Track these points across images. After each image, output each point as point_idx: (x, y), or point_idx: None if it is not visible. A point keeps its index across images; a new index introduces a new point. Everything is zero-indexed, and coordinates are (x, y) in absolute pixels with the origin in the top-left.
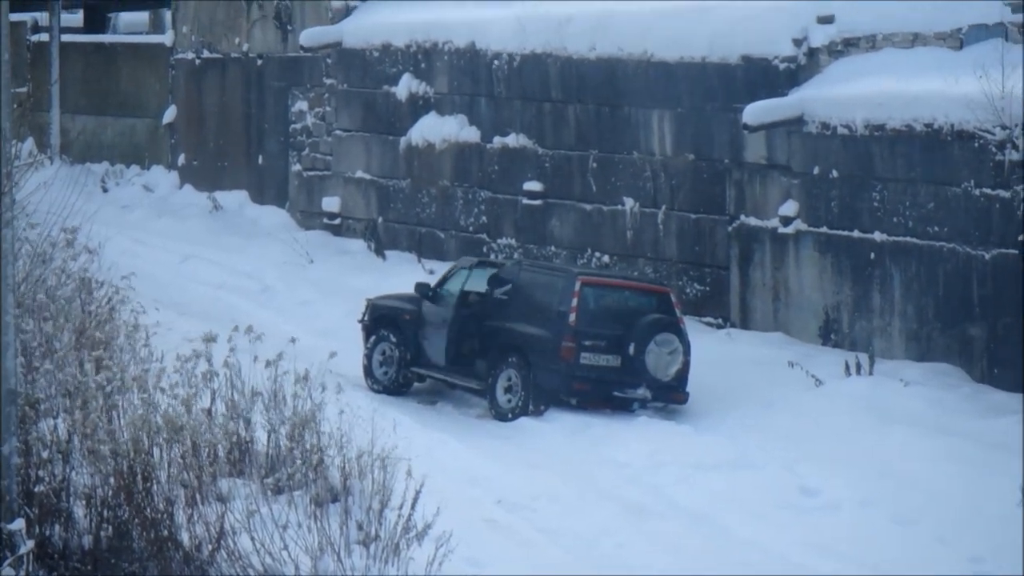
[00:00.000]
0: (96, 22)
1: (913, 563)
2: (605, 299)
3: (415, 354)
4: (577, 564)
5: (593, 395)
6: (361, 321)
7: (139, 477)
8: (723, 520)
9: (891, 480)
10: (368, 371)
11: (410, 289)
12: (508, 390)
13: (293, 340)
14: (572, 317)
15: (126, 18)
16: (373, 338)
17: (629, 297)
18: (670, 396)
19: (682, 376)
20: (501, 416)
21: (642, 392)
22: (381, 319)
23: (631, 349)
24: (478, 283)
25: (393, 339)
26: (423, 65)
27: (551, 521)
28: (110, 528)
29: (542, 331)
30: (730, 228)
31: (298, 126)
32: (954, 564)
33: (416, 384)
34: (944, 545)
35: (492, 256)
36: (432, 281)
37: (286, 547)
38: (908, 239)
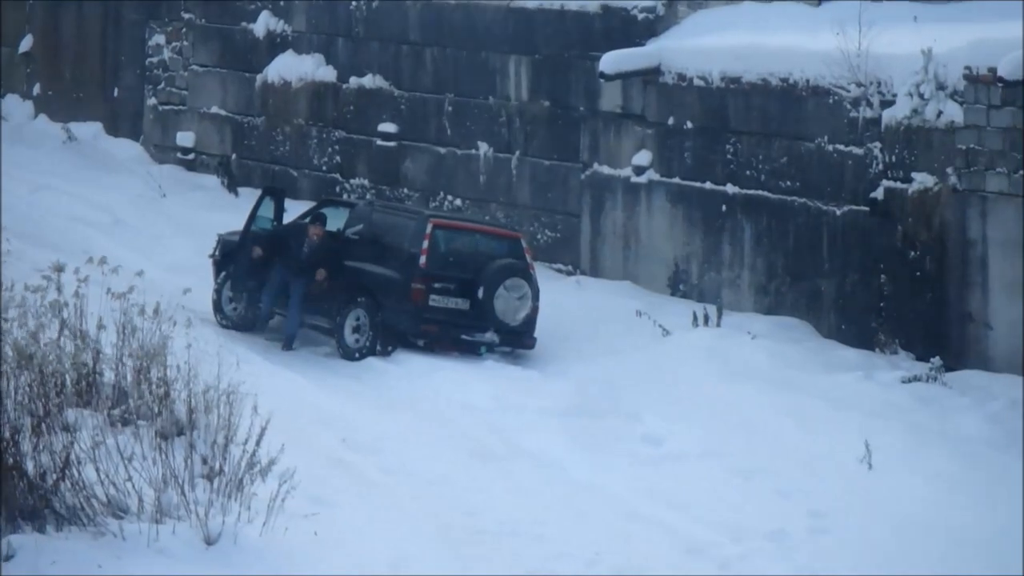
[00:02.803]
0: None
1: (753, 515)
2: (456, 242)
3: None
4: (421, 505)
5: (441, 337)
6: (212, 256)
7: None
8: (567, 465)
9: (734, 432)
10: (217, 306)
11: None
12: (356, 330)
13: (141, 273)
14: (423, 259)
15: None
16: (223, 274)
17: (480, 241)
18: (518, 341)
19: (530, 322)
20: (348, 355)
21: (490, 336)
22: (231, 255)
23: (480, 293)
24: (329, 222)
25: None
26: (281, 2)
27: (396, 462)
28: None
29: (392, 272)
30: (583, 176)
31: (155, 60)
32: (794, 518)
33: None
34: (784, 498)
35: (345, 196)
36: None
37: (130, 479)
38: (760, 192)
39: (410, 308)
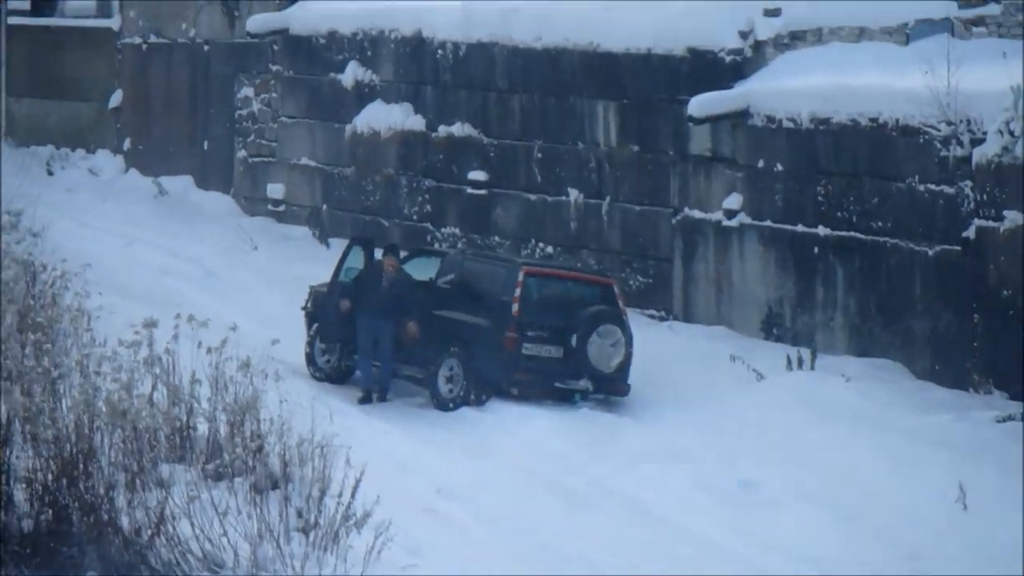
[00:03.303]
0: (43, 5)
1: (853, 559)
2: (548, 289)
3: (356, 342)
4: (515, 553)
5: (534, 386)
6: (304, 308)
7: (80, 461)
8: (662, 512)
9: (830, 475)
10: (310, 359)
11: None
12: (450, 380)
13: (234, 327)
14: (515, 307)
15: (73, 2)
16: (316, 325)
17: (572, 288)
18: (612, 388)
19: (624, 368)
20: (442, 406)
21: (584, 383)
22: (322, 306)
23: (573, 340)
24: (421, 271)
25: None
26: (369, 53)
27: (490, 511)
28: (50, 512)
29: (484, 321)
30: (674, 220)
31: (244, 112)
32: (893, 560)
33: (358, 372)
34: (882, 541)
35: (436, 245)
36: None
37: (225, 533)
38: (852, 234)
39: (503, 357)
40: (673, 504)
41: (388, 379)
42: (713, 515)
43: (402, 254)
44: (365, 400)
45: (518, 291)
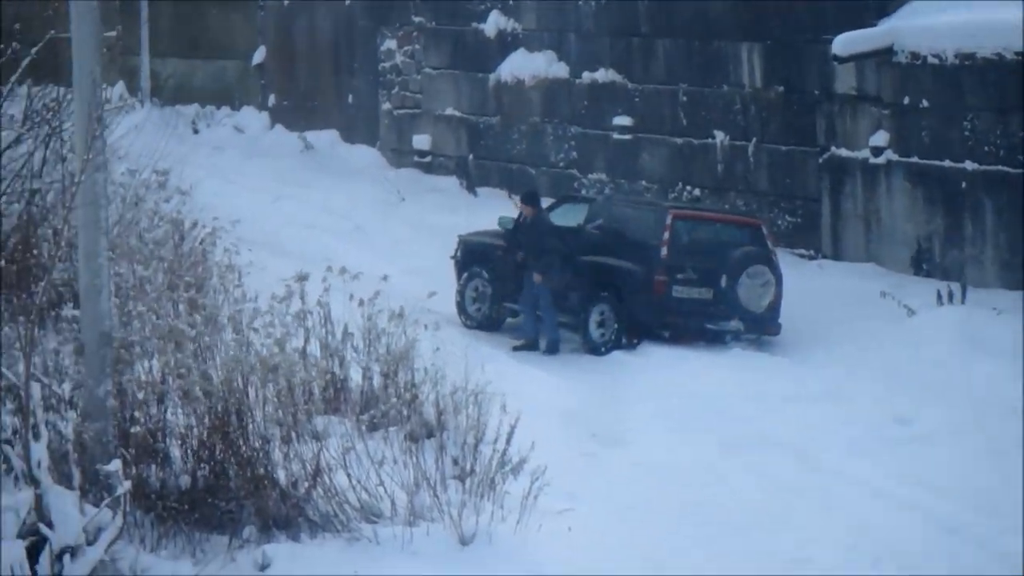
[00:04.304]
0: None
1: (1007, 493)
2: (696, 232)
3: (507, 290)
4: (671, 497)
5: (685, 328)
6: (453, 257)
7: (234, 417)
8: (816, 452)
9: (983, 409)
10: (461, 307)
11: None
12: (601, 324)
13: (385, 278)
14: (664, 251)
15: None
16: (465, 274)
17: (720, 230)
18: (763, 328)
19: (775, 308)
20: (594, 350)
21: (735, 325)
22: (473, 255)
23: (723, 282)
24: (569, 218)
25: (485, 275)
26: (511, 1)
27: (645, 455)
28: (206, 468)
29: (634, 265)
30: (821, 160)
31: (387, 65)
32: None
33: (509, 319)
34: None
35: (583, 191)
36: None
37: (382, 483)
38: (999, 168)
39: (653, 300)
40: (827, 444)
41: (552, 330)
42: (867, 453)
43: (549, 201)
44: (521, 348)
45: (667, 235)
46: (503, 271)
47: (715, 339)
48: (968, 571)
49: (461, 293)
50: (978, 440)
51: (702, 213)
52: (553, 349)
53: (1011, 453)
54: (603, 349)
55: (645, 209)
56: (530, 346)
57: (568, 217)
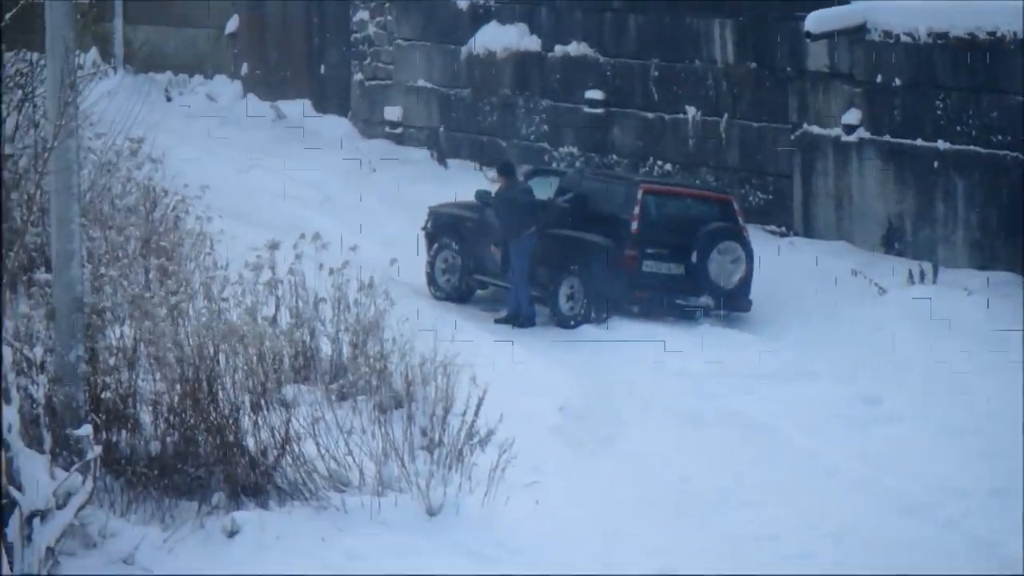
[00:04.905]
0: None
1: (971, 475)
2: (667, 207)
3: (477, 261)
4: (636, 472)
5: (655, 303)
6: (424, 229)
7: (204, 384)
8: (782, 429)
9: (951, 391)
10: (431, 278)
11: (471, 197)
12: (570, 297)
13: (354, 248)
14: (634, 225)
15: None
16: (435, 246)
17: (691, 205)
18: (733, 304)
19: (745, 284)
20: (563, 323)
21: (705, 300)
22: (443, 227)
23: (694, 257)
24: (540, 191)
25: (455, 247)
26: None
27: (612, 429)
28: (176, 434)
29: (604, 239)
30: (793, 136)
31: (360, 35)
32: (1006, 477)
33: (479, 292)
34: (1002, 458)
35: (553, 164)
36: (492, 189)
37: (351, 452)
38: (972, 148)
39: (623, 275)
40: (793, 422)
41: (525, 304)
42: (832, 432)
43: (520, 174)
44: (502, 321)
45: (637, 209)
46: (473, 243)
47: (685, 315)
48: (934, 551)
49: (431, 264)
50: (945, 421)
51: (673, 188)
52: (527, 323)
53: (971, 433)
54: (572, 323)
55: (616, 183)
56: (512, 319)
57: (539, 190)
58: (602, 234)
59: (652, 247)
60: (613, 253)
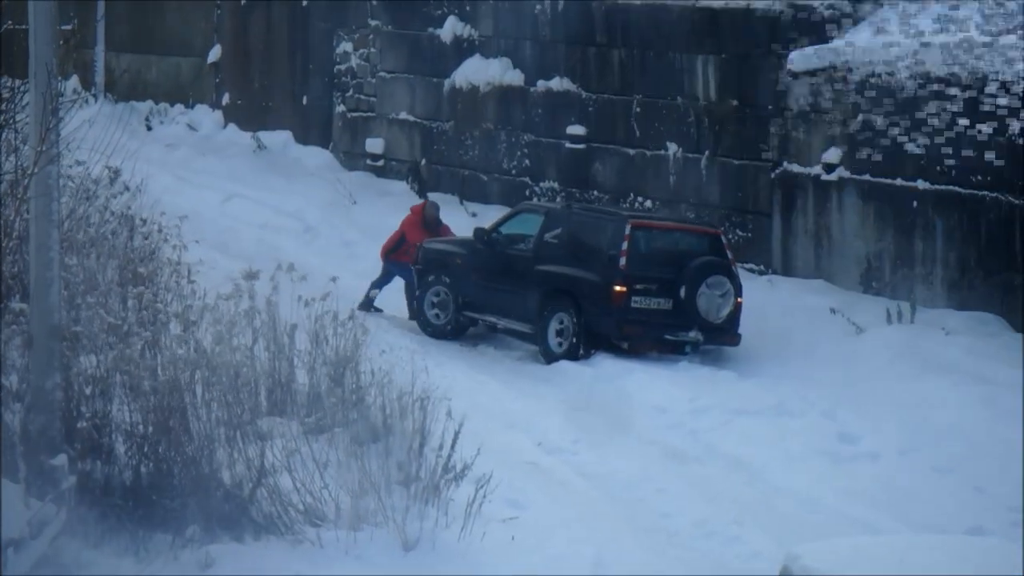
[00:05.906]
0: None
1: (951, 512)
2: (656, 242)
3: (468, 298)
4: (616, 507)
5: (645, 338)
6: (414, 264)
7: (179, 414)
8: (761, 466)
9: (930, 429)
10: (421, 314)
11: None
12: (560, 333)
13: (334, 279)
14: (623, 260)
15: None
16: (426, 281)
17: (680, 239)
18: (722, 338)
19: (734, 318)
20: (552, 360)
21: (694, 335)
22: (434, 263)
23: (682, 292)
24: (527, 227)
25: (447, 282)
26: (468, 7)
27: (590, 465)
28: (151, 464)
29: (593, 275)
30: (773, 174)
31: (343, 67)
32: (993, 513)
33: (471, 329)
34: (982, 494)
35: (534, 199)
36: (485, 224)
37: (327, 486)
38: (951, 188)
39: (612, 310)
40: (773, 458)
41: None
42: (812, 469)
43: (505, 210)
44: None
45: (625, 244)
46: (464, 279)
47: (674, 350)
48: None
49: (421, 300)
50: (924, 458)
51: (661, 223)
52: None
53: (953, 471)
54: (561, 359)
55: (604, 218)
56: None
57: (526, 226)
58: (591, 270)
59: (641, 282)
60: (602, 288)
